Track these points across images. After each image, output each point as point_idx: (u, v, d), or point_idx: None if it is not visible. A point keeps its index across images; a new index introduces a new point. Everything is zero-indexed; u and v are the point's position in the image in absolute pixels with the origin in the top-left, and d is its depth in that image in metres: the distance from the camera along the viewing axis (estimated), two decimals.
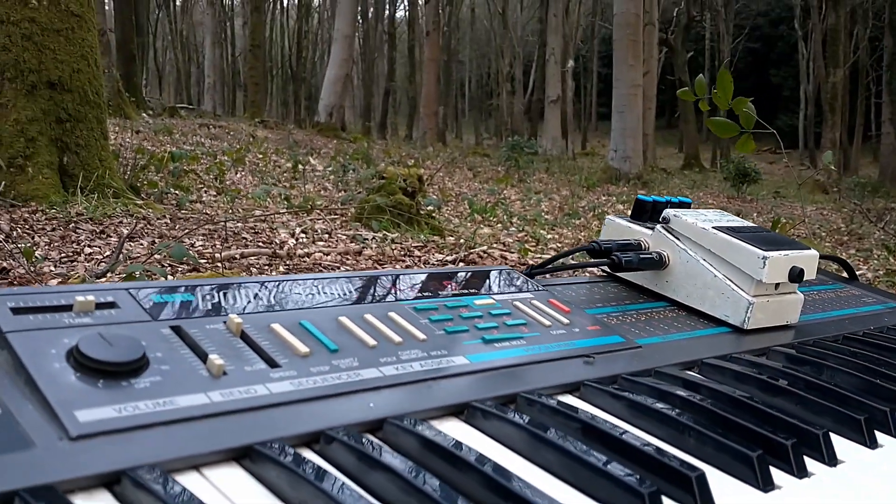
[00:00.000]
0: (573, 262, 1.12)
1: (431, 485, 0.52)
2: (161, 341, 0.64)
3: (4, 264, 3.74)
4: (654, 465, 0.61)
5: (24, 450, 0.49)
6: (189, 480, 0.52)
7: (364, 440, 0.57)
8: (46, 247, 4.38)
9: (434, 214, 6.92)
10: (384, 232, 5.82)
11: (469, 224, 7.17)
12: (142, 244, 4.73)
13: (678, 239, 1.07)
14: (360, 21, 31.96)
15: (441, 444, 0.58)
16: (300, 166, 10.37)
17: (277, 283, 0.81)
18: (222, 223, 5.79)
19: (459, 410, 0.69)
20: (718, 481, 0.64)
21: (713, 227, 1.05)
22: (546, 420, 0.68)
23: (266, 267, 4.60)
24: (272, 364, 0.66)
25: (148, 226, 5.40)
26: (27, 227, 4.85)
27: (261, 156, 11.50)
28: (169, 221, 5.69)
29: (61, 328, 0.62)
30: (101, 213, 5.39)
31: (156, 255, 3.75)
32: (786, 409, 0.77)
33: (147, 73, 36.31)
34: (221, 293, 0.75)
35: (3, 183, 5.29)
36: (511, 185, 12.43)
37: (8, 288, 0.64)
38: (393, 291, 0.86)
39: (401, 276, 0.90)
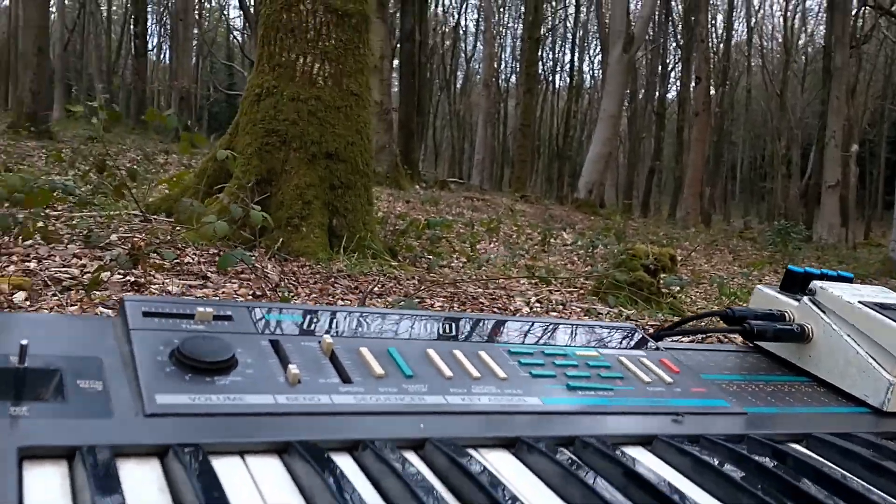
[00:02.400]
0: (706, 327, 1.09)
1: (435, 497, 0.56)
2: (255, 350, 0.74)
3: None
4: None
5: (104, 418, 0.61)
6: (226, 462, 0.61)
7: (392, 452, 0.63)
8: (306, 297, 4.85)
9: (676, 294, 6.72)
10: (620, 308, 5.75)
11: (715, 307, 6.86)
12: (388, 300, 5.07)
13: (823, 312, 1.01)
14: (629, 101, 32.13)
15: (462, 464, 0.62)
16: (550, 239, 10.57)
17: (388, 315, 0.89)
18: (463, 287, 6.05)
19: (511, 444, 0.72)
20: None
21: (859, 302, 0.98)
22: (591, 461, 0.69)
23: None
24: (346, 380, 0.74)
25: (398, 285, 5.78)
26: (294, 279, 5.40)
27: (515, 228, 11.86)
28: (417, 283, 6.04)
29: (177, 331, 0.74)
30: (359, 270, 5.87)
31: None
32: (891, 492, 0.71)
33: (425, 149, 39.04)
34: (330, 319, 0.85)
35: (281, 239, 5.95)
36: (773, 270, 11.72)
37: (145, 296, 0.78)
38: (496, 334, 0.91)
39: (512, 322, 0.95)
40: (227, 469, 0.59)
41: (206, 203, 6.07)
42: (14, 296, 3.77)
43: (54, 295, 3.95)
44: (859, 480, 0.75)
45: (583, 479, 0.63)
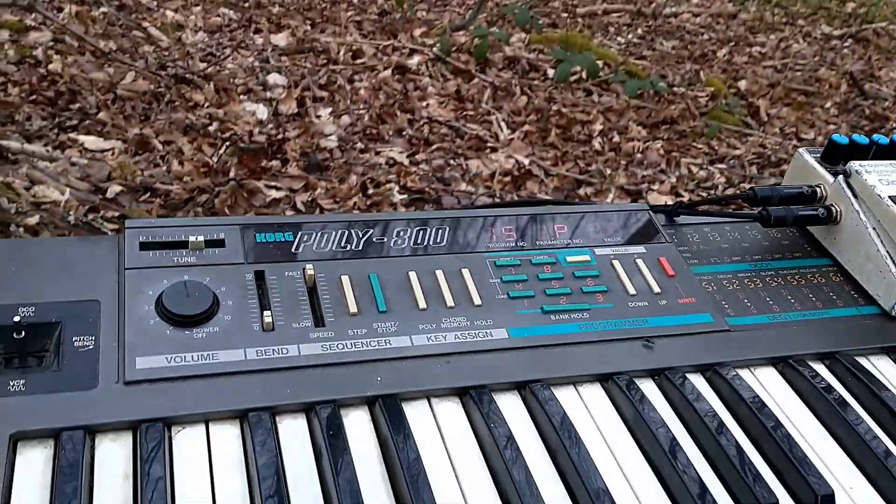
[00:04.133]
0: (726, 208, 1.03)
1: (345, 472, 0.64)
2: (238, 289, 0.79)
3: (386, 6, 4.13)
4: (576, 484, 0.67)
5: (88, 389, 0.68)
6: (189, 434, 0.67)
7: (336, 418, 0.69)
8: None
9: None
10: None
11: None
12: None
13: (855, 197, 0.93)
14: None
15: (395, 439, 0.68)
16: None
17: (385, 223, 0.89)
18: None
19: (463, 393, 0.76)
20: None
21: (889, 196, 0.90)
22: (535, 411, 0.74)
23: (625, 27, 4.46)
24: (318, 322, 0.78)
25: None
26: None
27: None
28: None
29: (169, 267, 0.80)
30: None
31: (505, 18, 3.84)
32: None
33: None
34: (322, 234, 0.87)
35: None
36: None
37: (141, 220, 0.84)
38: (490, 237, 0.90)
39: (511, 218, 0.93)
40: (186, 443, 0.66)
41: None
42: None
43: None
44: (807, 426, 0.77)
45: (495, 435, 0.68)
